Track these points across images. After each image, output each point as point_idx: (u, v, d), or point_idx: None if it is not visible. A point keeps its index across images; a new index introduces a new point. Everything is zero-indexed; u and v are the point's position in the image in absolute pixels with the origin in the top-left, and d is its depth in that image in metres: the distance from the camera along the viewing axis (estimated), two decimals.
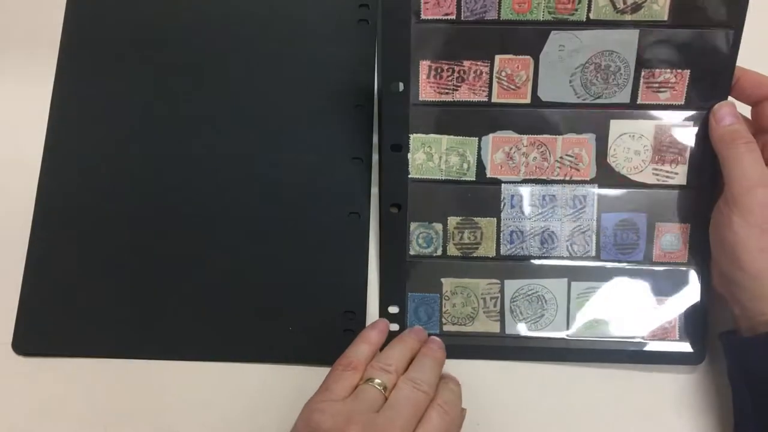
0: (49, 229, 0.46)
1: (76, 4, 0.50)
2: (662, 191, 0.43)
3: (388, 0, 0.42)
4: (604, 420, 0.44)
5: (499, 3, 0.42)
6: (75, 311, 0.45)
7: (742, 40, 0.41)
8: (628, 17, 0.42)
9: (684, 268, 0.44)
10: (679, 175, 0.43)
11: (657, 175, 0.43)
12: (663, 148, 0.43)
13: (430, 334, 0.43)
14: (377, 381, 0.37)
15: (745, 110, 0.43)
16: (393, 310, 0.45)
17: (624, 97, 0.43)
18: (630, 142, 0.43)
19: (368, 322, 0.45)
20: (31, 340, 0.45)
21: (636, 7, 0.41)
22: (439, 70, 0.43)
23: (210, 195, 0.47)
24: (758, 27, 0.43)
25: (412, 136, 0.44)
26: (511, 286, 0.44)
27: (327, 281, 0.46)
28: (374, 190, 0.47)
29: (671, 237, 0.44)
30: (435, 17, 0.42)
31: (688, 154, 0.43)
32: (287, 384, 0.44)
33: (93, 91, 0.49)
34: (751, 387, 0.39)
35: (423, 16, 0.42)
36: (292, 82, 0.48)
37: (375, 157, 0.47)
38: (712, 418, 0.44)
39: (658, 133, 0.43)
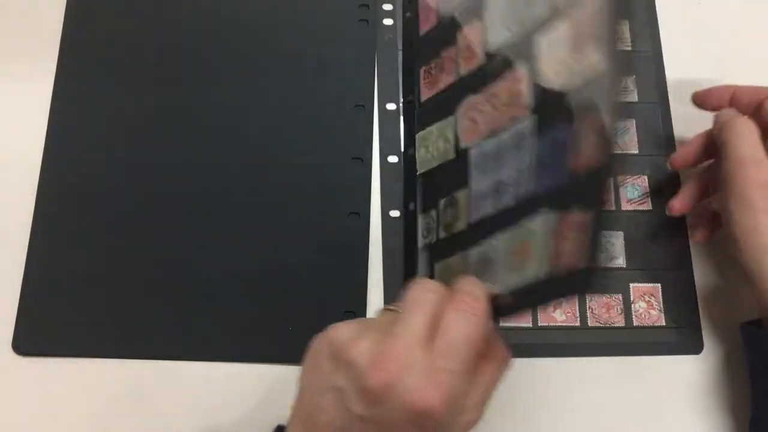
0: (49, 229, 0.46)
1: (76, 4, 0.50)
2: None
3: (405, 23, 0.48)
4: (601, 410, 0.44)
5: None
6: (75, 311, 0.45)
7: None
8: None
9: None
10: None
11: None
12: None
13: None
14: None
15: None
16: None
17: None
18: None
19: None
20: (31, 340, 0.45)
21: None
22: (429, 70, 0.46)
23: (210, 195, 0.47)
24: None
25: (416, 136, 0.45)
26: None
27: (327, 281, 0.46)
28: (374, 190, 0.47)
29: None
30: (426, 29, 0.47)
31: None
32: (287, 384, 0.44)
33: (93, 91, 0.49)
34: None
35: (421, 32, 0.47)
36: (293, 82, 0.48)
37: (375, 157, 0.48)
38: (709, 406, 0.44)
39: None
